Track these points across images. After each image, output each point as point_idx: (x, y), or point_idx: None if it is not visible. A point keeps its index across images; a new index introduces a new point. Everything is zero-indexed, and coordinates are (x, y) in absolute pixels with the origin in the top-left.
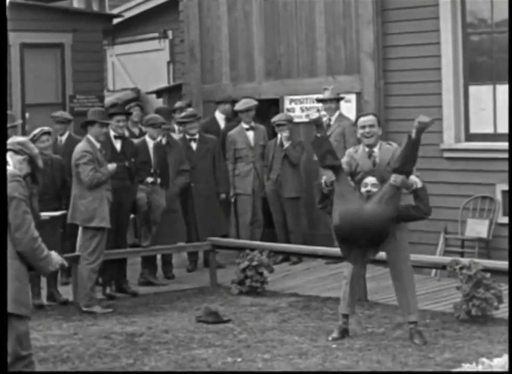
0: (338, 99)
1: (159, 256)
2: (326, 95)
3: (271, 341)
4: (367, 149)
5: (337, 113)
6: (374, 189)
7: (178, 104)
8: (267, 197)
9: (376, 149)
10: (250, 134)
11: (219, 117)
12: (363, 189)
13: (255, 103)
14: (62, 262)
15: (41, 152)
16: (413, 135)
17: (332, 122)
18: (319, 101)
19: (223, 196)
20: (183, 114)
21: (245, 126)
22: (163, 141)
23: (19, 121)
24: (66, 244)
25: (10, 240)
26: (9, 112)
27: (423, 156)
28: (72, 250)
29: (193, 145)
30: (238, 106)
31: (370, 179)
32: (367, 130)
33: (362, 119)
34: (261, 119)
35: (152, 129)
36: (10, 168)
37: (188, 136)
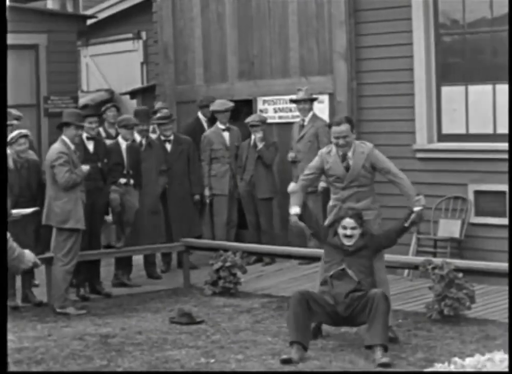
0: (311, 100)
1: (138, 257)
2: (300, 96)
3: (245, 342)
4: (340, 153)
5: (310, 114)
6: (354, 232)
7: (158, 105)
8: (241, 197)
9: (350, 154)
10: (226, 134)
11: (203, 118)
12: (341, 231)
13: (232, 104)
14: (35, 260)
15: (18, 155)
16: (407, 224)
17: (305, 123)
18: (292, 101)
19: (197, 197)
20: (158, 115)
21: (221, 126)
22: (143, 142)
23: (14, 122)
24: (40, 244)
25: None
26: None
27: (396, 157)
28: (47, 251)
29: (168, 146)
30: (216, 107)
31: (349, 222)
32: (341, 141)
33: (336, 130)
34: (234, 120)
35: (125, 130)
36: None
37: (162, 138)
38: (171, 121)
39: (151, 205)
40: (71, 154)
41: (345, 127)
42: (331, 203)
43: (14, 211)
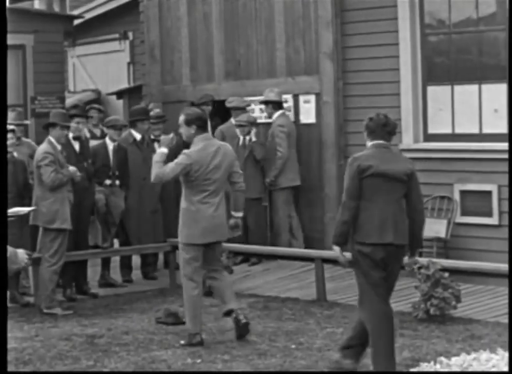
0: (281, 103)
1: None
2: (271, 97)
3: (231, 342)
4: None
5: (278, 113)
6: None
7: (151, 105)
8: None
9: None
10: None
11: None
12: None
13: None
14: (27, 260)
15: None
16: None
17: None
18: (262, 102)
19: None
20: (150, 114)
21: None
22: (144, 140)
23: (27, 122)
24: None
25: None
26: (19, 109)
27: None
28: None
29: (156, 146)
30: (235, 103)
31: None
32: None
33: None
34: (221, 120)
35: (113, 131)
36: None
37: (152, 137)
38: (162, 122)
39: (151, 204)
40: (58, 154)
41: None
42: None
43: (11, 211)
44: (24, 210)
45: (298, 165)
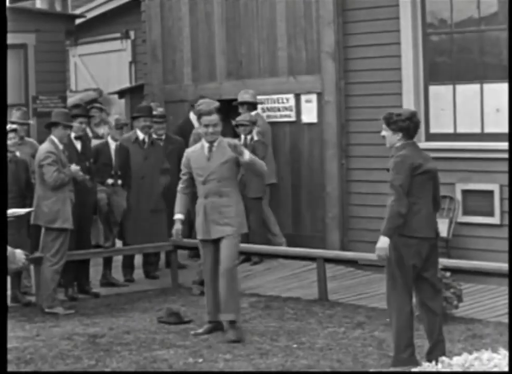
0: (256, 104)
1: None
2: (246, 98)
3: (233, 341)
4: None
5: (253, 113)
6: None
7: (153, 105)
8: None
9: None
10: None
11: (194, 118)
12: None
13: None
14: (24, 260)
15: (7, 150)
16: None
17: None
18: (237, 104)
19: None
20: (154, 113)
21: None
22: (146, 139)
23: (31, 121)
24: (29, 244)
25: None
26: (24, 108)
27: (384, 156)
28: (33, 251)
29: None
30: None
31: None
32: (210, 129)
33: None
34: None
35: (115, 130)
36: None
37: (155, 136)
38: (165, 121)
39: (151, 204)
40: (60, 154)
41: (216, 116)
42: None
43: (9, 211)
44: (22, 211)
45: (274, 164)
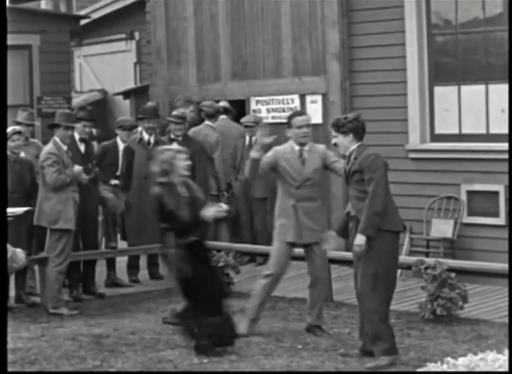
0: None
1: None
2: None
3: (237, 342)
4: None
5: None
6: None
7: (179, 103)
8: (235, 197)
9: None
10: None
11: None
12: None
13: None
14: (25, 259)
15: (11, 151)
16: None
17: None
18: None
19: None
20: (174, 112)
21: None
22: (151, 140)
23: (36, 123)
24: (32, 243)
25: None
26: (31, 109)
27: (388, 157)
28: (40, 251)
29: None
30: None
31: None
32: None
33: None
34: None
35: (121, 131)
36: None
37: (172, 136)
38: (183, 122)
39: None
40: (62, 155)
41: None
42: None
43: (8, 210)
44: (20, 210)
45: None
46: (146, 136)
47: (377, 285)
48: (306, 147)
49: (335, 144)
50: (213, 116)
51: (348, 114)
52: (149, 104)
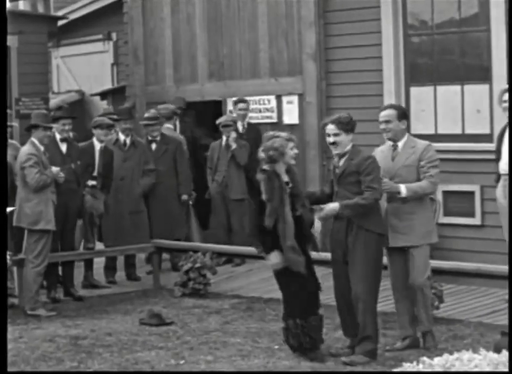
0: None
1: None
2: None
3: (214, 343)
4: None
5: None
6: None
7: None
8: (212, 198)
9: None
10: None
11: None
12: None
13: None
14: (9, 261)
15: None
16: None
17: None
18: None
19: (184, 197)
20: (146, 115)
21: None
22: (127, 141)
23: (15, 124)
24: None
25: None
26: (9, 111)
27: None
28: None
29: (153, 146)
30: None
31: (330, 128)
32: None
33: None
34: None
35: (99, 131)
36: None
37: (150, 138)
38: (158, 123)
39: (131, 205)
40: (41, 155)
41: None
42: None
43: None
44: (7, 210)
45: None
46: (122, 137)
47: (374, 286)
48: (400, 143)
49: (334, 143)
50: (170, 118)
51: (343, 113)
52: (125, 105)
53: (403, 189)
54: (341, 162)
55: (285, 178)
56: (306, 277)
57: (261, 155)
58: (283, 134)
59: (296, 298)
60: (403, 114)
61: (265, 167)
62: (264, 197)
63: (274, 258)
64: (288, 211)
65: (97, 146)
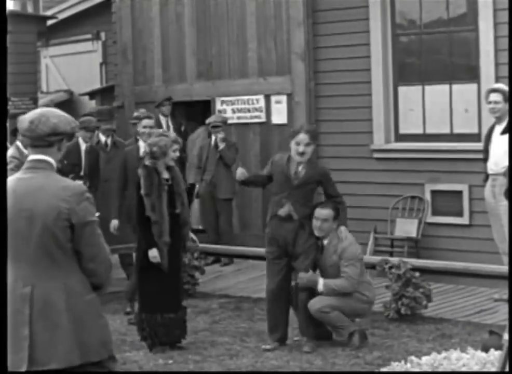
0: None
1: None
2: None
3: (202, 343)
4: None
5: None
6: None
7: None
8: (200, 198)
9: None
10: None
11: (163, 118)
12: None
13: None
14: None
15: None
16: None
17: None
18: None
19: None
20: (135, 114)
21: None
22: (108, 142)
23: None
24: None
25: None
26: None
27: (353, 157)
28: None
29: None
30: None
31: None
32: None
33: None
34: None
35: (85, 132)
36: (69, 180)
37: (137, 137)
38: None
39: None
40: (23, 158)
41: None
42: None
43: None
44: None
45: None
46: (103, 138)
47: None
48: None
49: (303, 153)
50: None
51: (311, 123)
52: (105, 106)
53: (320, 284)
54: (301, 169)
55: (166, 175)
56: (166, 273)
57: (146, 148)
58: (172, 135)
59: (150, 293)
60: None
61: (147, 162)
62: (142, 191)
63: (152, 253)
64: (165, 207)
65: (83, 146)
